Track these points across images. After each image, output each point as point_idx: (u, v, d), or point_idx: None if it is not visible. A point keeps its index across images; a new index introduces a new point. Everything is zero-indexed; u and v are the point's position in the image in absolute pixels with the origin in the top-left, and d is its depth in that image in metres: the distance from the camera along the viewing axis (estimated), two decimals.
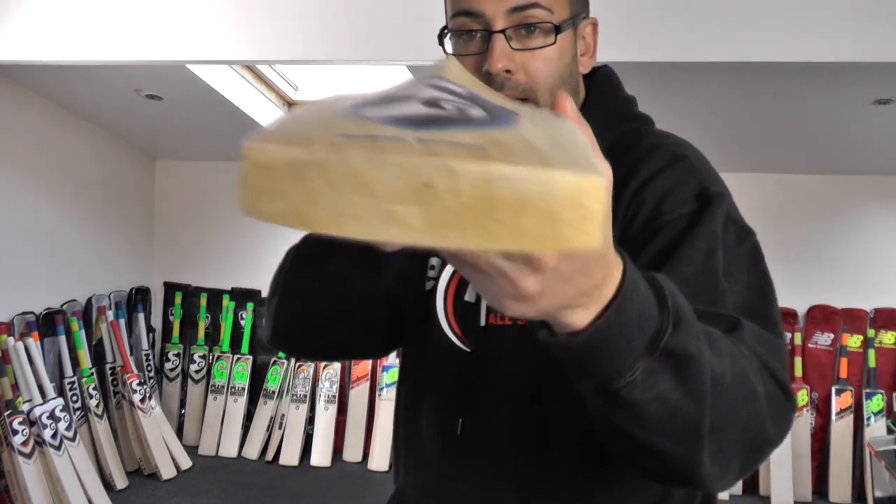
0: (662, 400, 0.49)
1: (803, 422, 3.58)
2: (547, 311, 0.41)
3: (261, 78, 3.52)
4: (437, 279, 0.81)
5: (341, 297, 0.76)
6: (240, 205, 0.33)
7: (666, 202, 0.70)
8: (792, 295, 3.61)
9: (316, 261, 0.74)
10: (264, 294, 4.21)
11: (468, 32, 0.75)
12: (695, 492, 0.77)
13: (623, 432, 0.52)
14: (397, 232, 0.31)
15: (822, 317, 3.71)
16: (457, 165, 0.30)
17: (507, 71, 0.72)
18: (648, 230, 0.69)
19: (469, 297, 0.78)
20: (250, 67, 3.40)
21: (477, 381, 0.77)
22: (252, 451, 3.87)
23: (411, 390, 0.86)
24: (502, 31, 0.72)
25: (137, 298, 4.11)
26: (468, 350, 0.78)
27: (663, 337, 0.47)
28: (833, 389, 3.58)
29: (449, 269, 0.80)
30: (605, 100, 0.83)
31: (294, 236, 0.65)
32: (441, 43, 0.78)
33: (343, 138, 0.32)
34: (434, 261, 0.82)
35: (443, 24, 0.78)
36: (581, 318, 0.43)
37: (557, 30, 0.73)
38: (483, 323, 0.77)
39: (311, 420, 3.90)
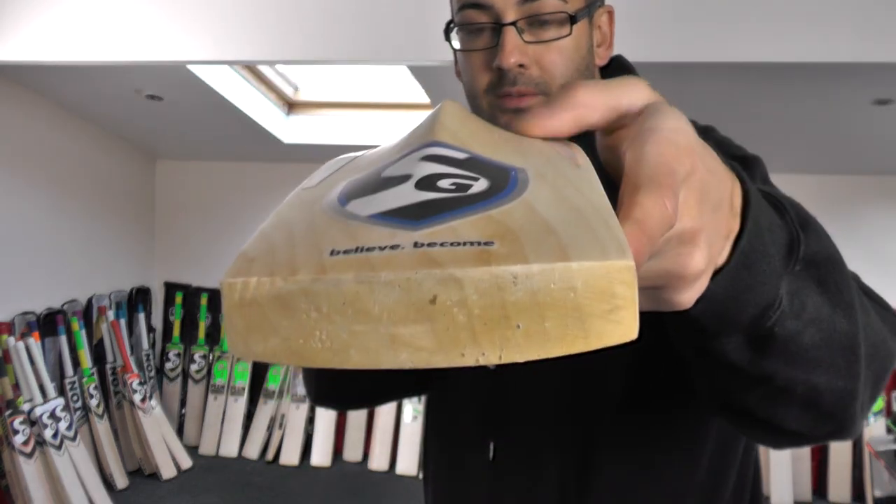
0: (816, 322, 0.42)
1: None
2: (710, 272, 0.35)
3: (261, 78, 3.53)
4: None
5: None
6: (229, 346, 0.30)
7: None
8: None
9: None
10: None
11: (477, 26, 0.71)
12: (745, 483, 0.74)
13: (778, 383, 0.44)
14: (407, 357, 0.27)
15: None
16: (461, 274, 0.26)
17: (521, 65, 0.68)
18: None
19: None
20: (250, 67, 3.40)
21: (505, 400, 0.73)
22: (252, 451, 3.87)
23: (439, 415, 0.83)
24: (513, 24, 0.68)
25: (138, 298, 4.11)
26: (492, 368, 0.73)
27: (800, 245, 0.40)
28: None
29: None
30: None
31: None
32: (447, 38, 0.74)
33: (330, 258, 0.28)
34: None
35: (445, 20, 0.75)
36: (724, 252, 0.36)
37: (572, 20, 0.69)
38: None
39: (311, 420, 3.90)
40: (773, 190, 0.43)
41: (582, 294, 0.27)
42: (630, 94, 0.33)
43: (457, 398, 0.78)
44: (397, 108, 3.68)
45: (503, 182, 0.33)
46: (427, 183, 0.33)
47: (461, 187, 0.32)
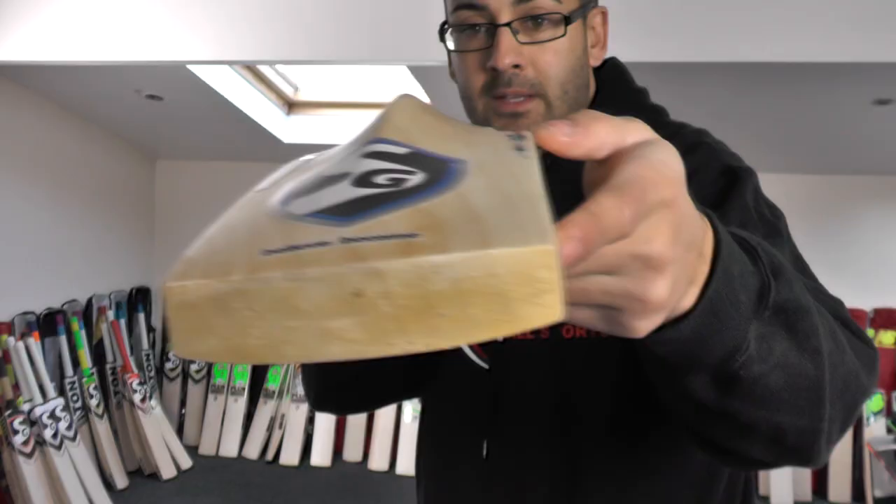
0: (782, 367, 0.43)
1: None
2: (674, 306, 0.35)
3: (261, 78, 3.53)
4: None
5: None
6: (173, 347, 0.31)
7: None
8: None
9: None
10: None
11: (471, 27, 0.70)
12: (735, 491, 0.74)
13: (742, 421, 0.45)
14: (339, 349, 0.28)
15: None
16: (384, 266, 0.27)
17: (516, 66, 0.68)
18: None
19: None
20: (250, 67, 3.40)
21: (499, 400, 0.73)
22: (252, 451, 3.87)
23: (433, 415, 0.83)
24: (508, 24, 0.68)
25: (138, 298, 4.11)
26: (487, 368, 0.74)
27: (769, 292, 0.41)
28: None
29: None
30: (618, 93, 0.79)
31: None
32: (442, 39, 0.74)
33: (263, 258, 0.29)
34: None
35: (443, 20, 0.74)
36: (690, 297, 0.36)
37: (567, 20, 0.69)
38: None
39: (311, 420, 3.90)
40: (748, 235, 0.43)
41: (504, 280, 0.27)
42: (634, 134, 0.34)
43: (451, 399, 0.79)
44: None
45: (440, 175, 0.33)
46: (364, 180, 0.34)
47: (397, 182, 0.33)
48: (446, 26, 0.73)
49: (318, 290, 0.28)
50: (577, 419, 0.70)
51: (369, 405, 0.89)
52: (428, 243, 0.28)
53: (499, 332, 0.28)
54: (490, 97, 0.71)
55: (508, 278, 0.27)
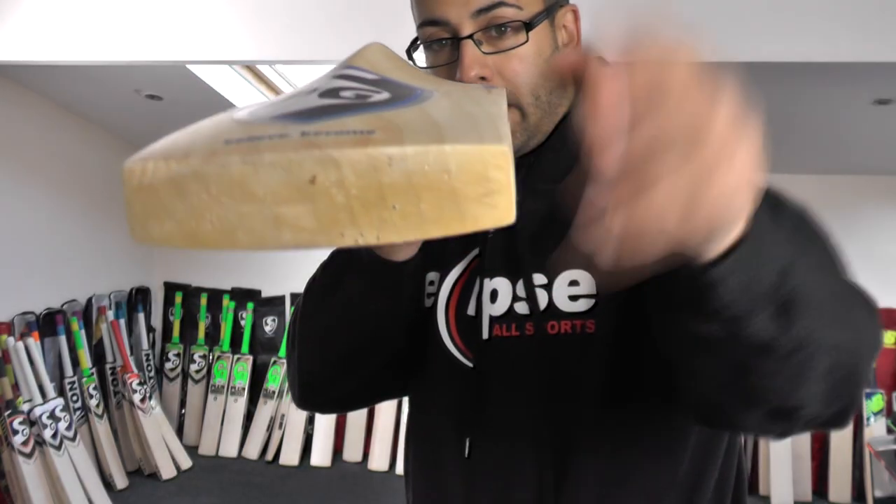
0: (820, 278, 0.46)
1: None
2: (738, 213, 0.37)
3: (261, 78, 3.53)
4: (436, 294, 0.77)
5: (359, 323, 0.71)
6: (130, 232, 0.31)
7: None
8: None
9: (327, 295, 0.70)
10: (264, 294, 4.22)
11: (437, 41, 0.70)
12: (725, 490, 0.74)
13: (805, 352, 0.45)
14: (290, 237, 0.29)
15: None
16: (339, 155, 0.28)
17: (483, 78, 0.67)
18: None
19: (471, 310, 0.74)
20: (250, 67, 3.40)
21: (482, 398, 0.73)
22: (252, 451, 3.87)
23: (418, 414, 0.83)
24: (470, 37, 0.67)
25: (138, 298, 4.11)
26: (471, 366, 0.74)
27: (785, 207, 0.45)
28: None
29: (448, 283, 0.76)
30: None
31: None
32: (410, 56, 0.74)
33: (223, 145, 0.30)
34: (432, 275, 0.77)
35: (414, 37, 0.74)
36: (742, 212, 0.38)
37: (528, 27, 0.68)
38: (486, 336, 0.73)
39: (311, 420, 3.90)
40: None
41: (456, 177, 0.28)
42: None
43: (435, 396, 0.78)
44: None
45: (405, 96, 0.34)
46: (330, 93, 0.35)
47: (361, 97, 0.34)
48: (418, 43, 0.74)
49: (274, 175, 0.28)
50: (563, 417, 0.70)
51: (354, 404, 0.88)
52: (383, 138, 0.29)
53: (448, 230, 0.29)
54: None
55: (461, 175, 0.28)
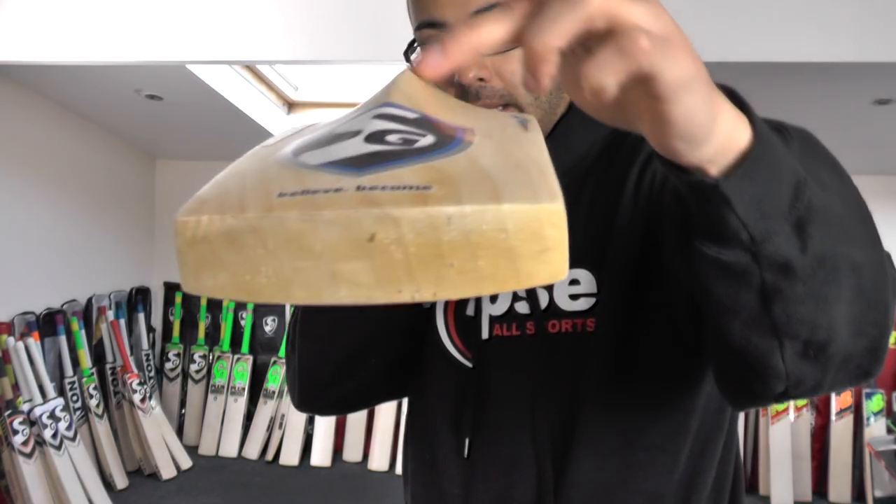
0: (835, 190, 0.45)
1: (803, 422, 3.59)
2: (711, 123, 0.38)
3: (261, 78, 3.53)
4: None
5: (359, 324, 0.71)
6: (182, 283, 0.31)
7: None
8: None
9: None
10: None
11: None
12: (722, 490, 0.74)
13: (829, 268, 0.44)
14: (347, 292, 0.29)
15: None
16: (398, 213, 0.28)
17: (481, 79, 0.67)
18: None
19: (470, 311, 0.74)
20: (250, 67, 3.40)
21: (481, 398, 0.73)
22: (252, 451, 3.87)
23: (418, 412, 0.83)
24: None
25: (138, 298, 4.11)
26: (471, 366, 0.74)
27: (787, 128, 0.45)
28: None
29: None
30: None
31: None
32: (408, 59, 0.73)
33: (278, 198, 0.30)
34: None
35: (411, 39, 0.74)
36: (743, 132, 0.40)
37: None
38: (486, 336, 0.73)
39: (311, 420, 3.90)
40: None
41: (513, 235, 0.28)
42: None
43: (434, 397, 0.78)
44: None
45: (449, 139, 0.34)
46: (376, 137, 0.34)
47: (408, 141, 0.34)
48: (415, 45, 0.73)
49: (332, 232, 0.28)
50: (562, 416, 0.70)
51: (354, 406, 0.88)
52: (441, 194, 0.29)
53: (504, 286, 0.29)
54: None
55: (517, 234, 0.28)
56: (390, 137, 0.34)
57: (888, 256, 0.49)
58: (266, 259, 0.29)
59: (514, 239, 0.28)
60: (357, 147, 0.33)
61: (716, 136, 0.39)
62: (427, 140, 0.34)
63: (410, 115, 0.37)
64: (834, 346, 0.47)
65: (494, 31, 0.34)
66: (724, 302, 0.47)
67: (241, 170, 0.35)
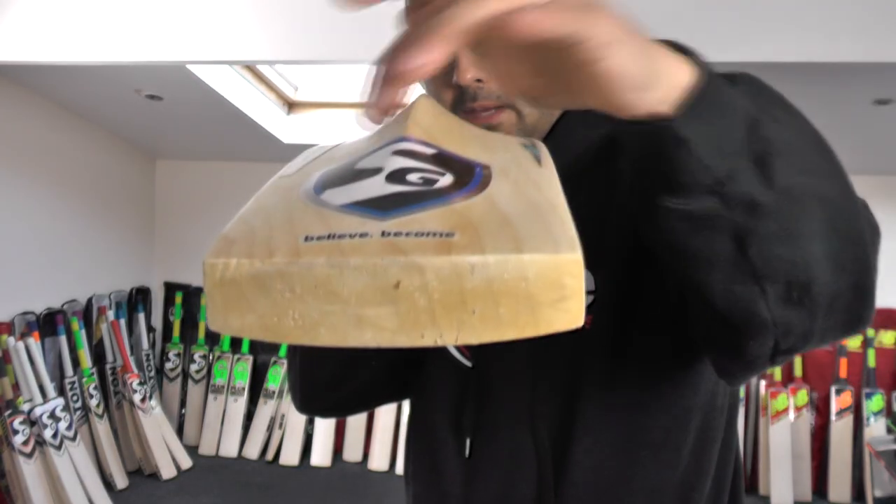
0: (787, 123, 0.46)
1: (803, 422, 3.59)
2: (648, 72, 0.39)
3: (261, 78, 3.53)
4: None
5: None
6: (208, 321, 0.32)
7: None
8: None
9: None
10: None
11: None
12: (722, 487, 0.74)
13: (795, 201, 0.44)
14: (371, 336, 0.30)
15: None
16: (424, 261, 0.29)
17: (478, 80, 0.67)
18: None
19: None
20: (250, 67, 3.40)
21: (481, 397, 0.74)
22: (252, 451, 3.88)
23: (419, 412, 0.83)
24: None
25: (138, 298, 4.11)
26: (470, 365, 0.75)
27: (738, 76, 0.47)
28: (833, 389, 3.58)
29: None
30: None
31: None
32: None
33: (305, 243, 0.30)
34: None
35: None
36: (683, 72, 0.42)
37: None
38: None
39: (311, 420, 3.90)
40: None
41: (533, 283, 0.29)
42: None
43: (435, 396, 0.79)
44: (396, 108, 3.67)
45: (467, 177, 0.36)
46: (397, 176, 0.35)
47: (428, 181, 0.35)
48: None
49: (359, 279, 0.29)
50: (560, 414, 0.70)
51: (355, 408, 0.88)
52: (464, 243, 0.30)
53: (524, 332, 0.30)
54: (462, 112, 0.70)
55: (537, 282, 0.29)
56: (411, 177, 0.35)
57: (858, 198, 0.49)
58: (293, 303, 0.30)
59: (534, 287, 0.29)
60: (379, 187, 0.34)
61: (659, 79, 0.41)
62: (446, 180, 0.35)
63: (428, 152, 0.38)
64: (817, 286, 0.46)
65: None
66: (699, 256, 0.46)
67: (266, 206, 0.36)
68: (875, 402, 3.51)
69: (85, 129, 3.77)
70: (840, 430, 3.53)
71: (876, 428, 3.47)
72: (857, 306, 0.49)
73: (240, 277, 0.30)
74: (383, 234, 0.30)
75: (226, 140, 3.89)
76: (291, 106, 3.84)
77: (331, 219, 0.32)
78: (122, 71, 2.95)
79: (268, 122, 3.62)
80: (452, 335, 0.30)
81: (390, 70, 0.36)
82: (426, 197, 0.33)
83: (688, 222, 0.45)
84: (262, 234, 0.32)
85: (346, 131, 3.88)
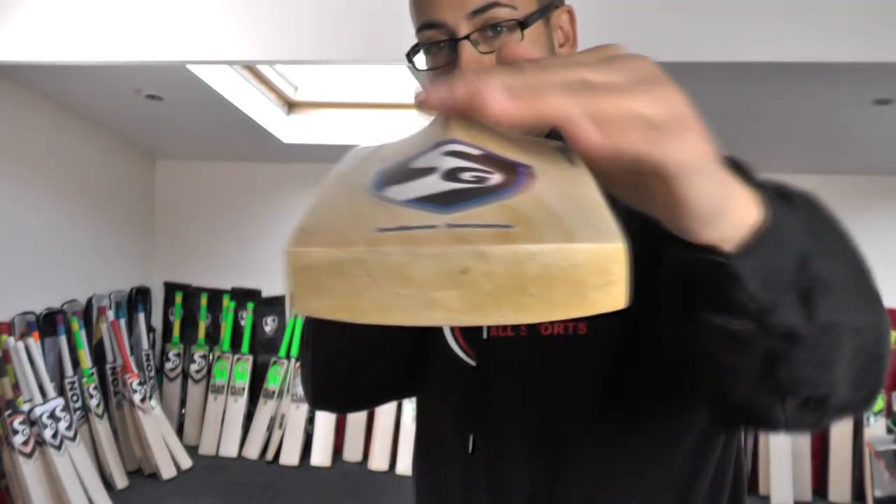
0: (837, 256, 0.47)
1: None
2: (718, 201, 0.39)
3: (261, 78, 3.53)
4: None
5: (367, 328, 0.72)
6: (290, 304, 0.35)
7: None
8: None
9: None
10: (264, 294, 4.22)
11: (436, 44, 0.73)
12: (721, 489, 0.75)
13: (833, 335, 0.46)
14: (441, 316, 0.33)
15: None
16: (488, 250, 0.33)
17: None
18: None
19: None
20: (250, 67, 3.40)
21: (484, 396, 0.75)
22: (252, 451, 3.88)
23: (425, 410, 0.85)
24: (467, 37, 0.70)
25: (138, 298, 4.11)
26: (474, 364, 0.76)
27: (786, 189, 0.46)
28: None
29: None
30: None
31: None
32: (410, 60, 0.76)
33: (378, 234, 0.34)
34: None
35: (415, 43, 0.76)
36: (750, 209, 0.41)
37: (522, 25, 0.70)
38: (485, 336, 0.75)
39: (311, 420, 3.91)
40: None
41: (583, 269, 0.33)
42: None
43: (440, 394, 0.80)
44: (397, 108, 3.68)
45: (513, 176, 0.39)
46: (451, 175, 0.39)
47: (480, 179, 0.39)
48: (417, 48, 0.76)
49: (430, 265, 0.33)
50: (556, 416, 0.71)
51: (369, 403, 0.90)
52: (522, 234, 0.33)
53: (573, 313, 0.34)
54: None
55: (587, 268, 0.33)
56: (464, 175, 0.39)
57: (885, 313, 0.51)
58: (370, 287, 0.33)
59: (584, 273, 0.33)
60: (437, 185, 0.38)
61: (728, 216, 0.40)
62: (496, 178, 0.39)
63: (475, 152, 0.42)
64: (833, 400, 0.49)
65: (499, 83, 0.37)
66: (728, 367, 0.48)
67: (334, 202, 0.39)
68: (875, 402, 3.50)
69: (85, 129, 3.77)
70: (840, 430, 3.53)
71: (876, 428, 3.47)
72: (863, 409, 0.53)
73: (320, 264, 0.33)
74: (449, 225, 0.34)
75: (226, 140, 3.89)
76: (291, 106, 3.84)
77: (398, 213, 0.36)
78: (122, 71, 2.95)
79: (268, 122, 3.62)
80: (512, 316, 0.33)
81: (469, 89, 0.37)
82: (481, 193, 0.37)
83: (723, 338, 0.46)
84: (338, 227, 0.36)
85: (346, 131, 3.88)
